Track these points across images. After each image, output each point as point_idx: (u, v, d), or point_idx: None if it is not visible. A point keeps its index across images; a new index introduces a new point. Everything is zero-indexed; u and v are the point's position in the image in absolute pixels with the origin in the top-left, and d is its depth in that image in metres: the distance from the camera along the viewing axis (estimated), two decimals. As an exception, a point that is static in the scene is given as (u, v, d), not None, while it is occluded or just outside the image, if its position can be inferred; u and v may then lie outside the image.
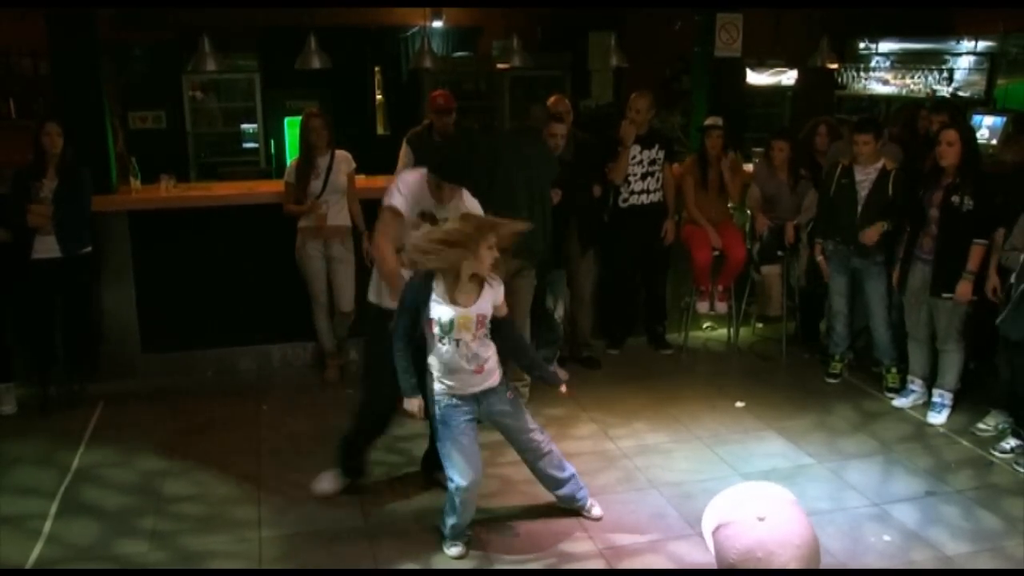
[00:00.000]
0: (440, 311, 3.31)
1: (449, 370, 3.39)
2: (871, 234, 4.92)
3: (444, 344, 3.34)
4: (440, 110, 5.43)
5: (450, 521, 3.55)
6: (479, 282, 3.36)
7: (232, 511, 3.87)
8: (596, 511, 3.80)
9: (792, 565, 1.63)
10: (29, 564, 3.49)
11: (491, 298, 3.39)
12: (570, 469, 3.78)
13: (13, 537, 3.68)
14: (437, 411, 3.47)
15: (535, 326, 4.92)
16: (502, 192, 4.60)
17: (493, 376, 3.47)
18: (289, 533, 3.70)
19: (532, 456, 3.68)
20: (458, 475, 3.43)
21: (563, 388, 3.72)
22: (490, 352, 3.44)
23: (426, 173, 3.71)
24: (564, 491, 3.77)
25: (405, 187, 3.65)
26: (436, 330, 3.34)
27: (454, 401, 3.44)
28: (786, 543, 1.66)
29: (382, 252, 3.65)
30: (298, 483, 4.08)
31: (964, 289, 4.54)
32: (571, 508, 3.81)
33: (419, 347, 3.44)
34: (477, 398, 3.47)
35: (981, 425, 4.67)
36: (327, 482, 4.01)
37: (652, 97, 5.62)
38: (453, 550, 3.57)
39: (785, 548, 1.66)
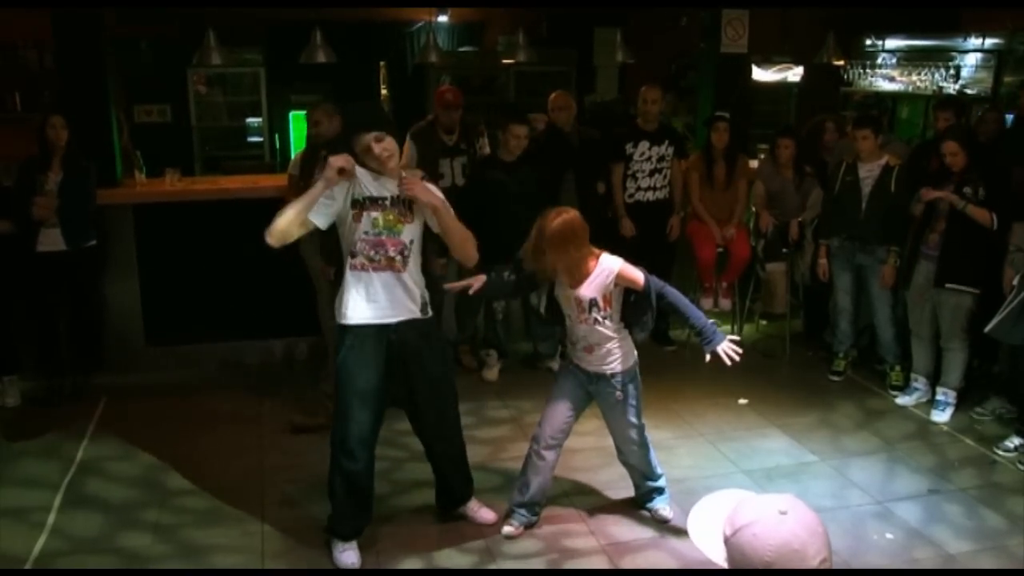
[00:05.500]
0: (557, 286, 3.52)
1: (570, 338, 3.59)
2: (888, 273, 4.95)
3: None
4: (448, 105, 5.41)
5: (516, 494, 3.66)
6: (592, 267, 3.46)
7: (235, 505, 3.88)
8: (666, 512, 3.78)
9: (824, 552, 1.69)
10: (33, 556, 3.51)
11: (599, 283, 3.44)
12: (660, 472, 3.82)
13: (17, 529, 3.69)
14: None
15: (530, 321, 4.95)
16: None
17: (605, 363, 3.53)
18: (291, 527, 3.71)
19: (624, 455, 3.76)
20: (538, 427, 3.63)
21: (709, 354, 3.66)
22: (601, 338, 3.49)
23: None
24: (646, 498, 3.83)
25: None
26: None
27: (570, 365, 3.62)
28: (814, 531, 1.70)
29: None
30: (301, 477, 4.09)
31: (1009, 275, 4.33)
32: (643, 505, 3.84)
33: None
34: (590, 376, 3.58)
35: (979, 409, 4.77)
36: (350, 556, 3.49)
37: (662, 89, 5.61)
38: (507, 528, 3.65)
39: (814, 536, 1.70)
